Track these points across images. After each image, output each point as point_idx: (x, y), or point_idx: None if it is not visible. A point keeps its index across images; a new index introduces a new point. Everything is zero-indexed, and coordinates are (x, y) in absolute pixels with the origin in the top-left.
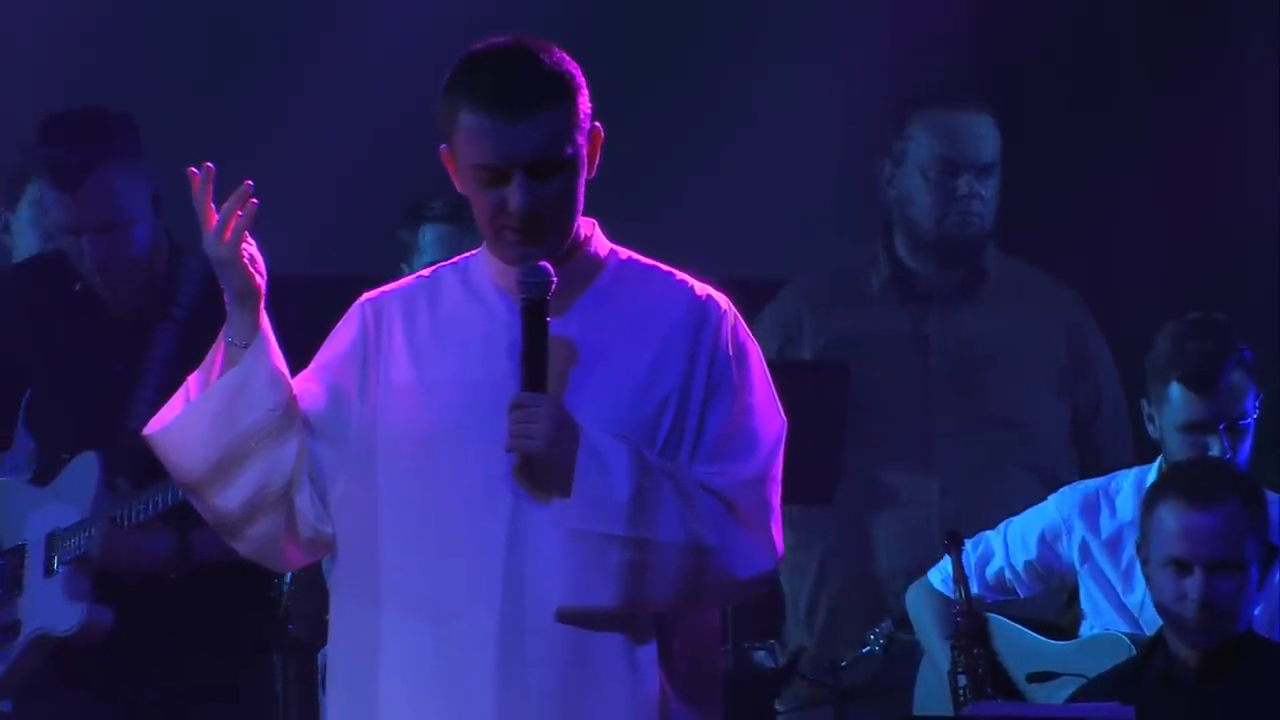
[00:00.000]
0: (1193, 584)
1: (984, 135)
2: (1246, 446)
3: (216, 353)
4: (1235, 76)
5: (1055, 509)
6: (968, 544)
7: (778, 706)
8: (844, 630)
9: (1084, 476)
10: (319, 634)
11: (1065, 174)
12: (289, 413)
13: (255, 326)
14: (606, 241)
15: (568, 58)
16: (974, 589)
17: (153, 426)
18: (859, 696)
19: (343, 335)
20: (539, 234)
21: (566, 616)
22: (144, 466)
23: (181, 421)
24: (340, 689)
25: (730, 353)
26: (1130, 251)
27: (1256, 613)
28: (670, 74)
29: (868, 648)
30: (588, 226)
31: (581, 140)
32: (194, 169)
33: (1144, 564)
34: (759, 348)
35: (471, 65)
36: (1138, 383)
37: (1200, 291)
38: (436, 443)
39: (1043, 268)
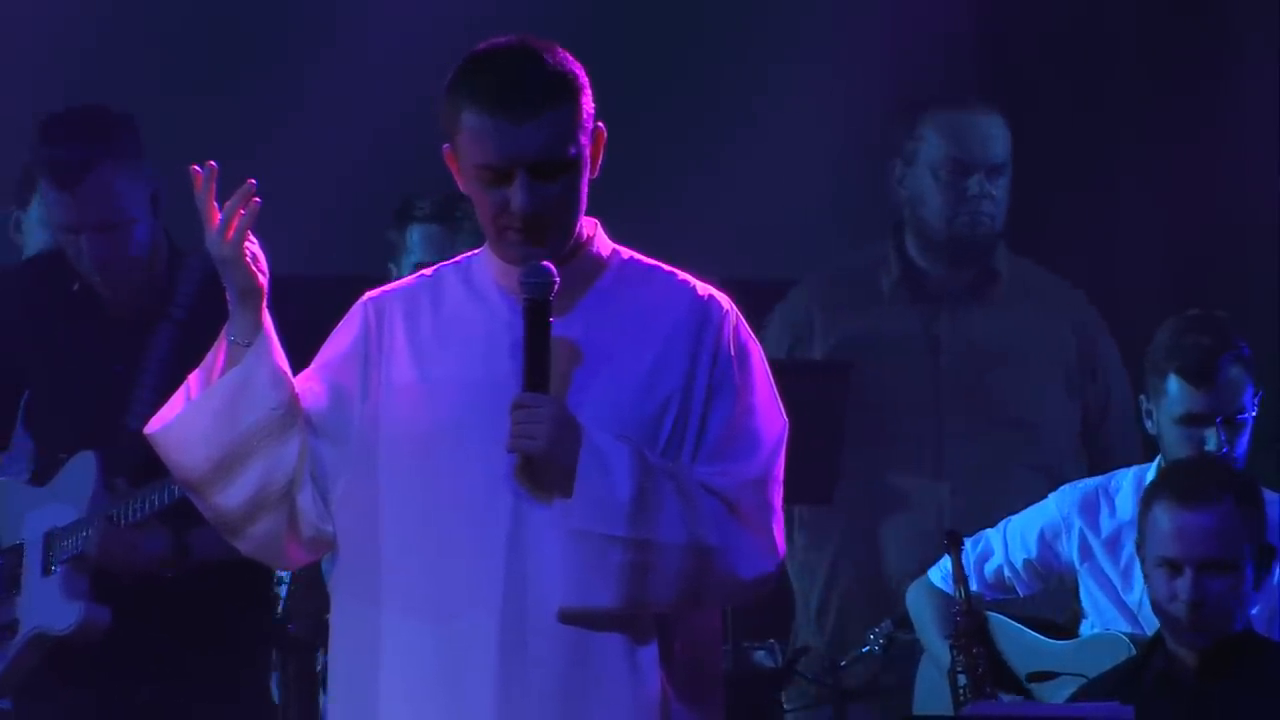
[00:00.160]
0: (1183, 584)
1: (995, 135)
2: (1244, 442)
3: (218, 351)
4: (1235, 76)
5: (1055, 507)
6: (968, 542)
7: (785, 705)
8: (854, 630)
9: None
10: (319, 633)
11: (1065, 174)
12: (291, 411)
13: (258, 325)
14: (609, 241)
15: (571, 58)
16: (974, 587)
17: (154, 425)
18: (859, 696)
19: (345, 334)
20: (542, 234)
21: (568, 617)
22: (142, 466)
23: (183, 420)
24: (341, 688)
25: (732, 353)
26: (1130, 251)
27: (1255, 612)
28: (670, 74)
29: (868, 647)
30: (590, 226)
31: (585, 140)
32: (197, 167)
33: (1142, 563)
34: (760, 348)
35: (475, 65)
36: (1138, 380)
37: (1200, 291)
38: (438, 442)
39: (1044, 268)
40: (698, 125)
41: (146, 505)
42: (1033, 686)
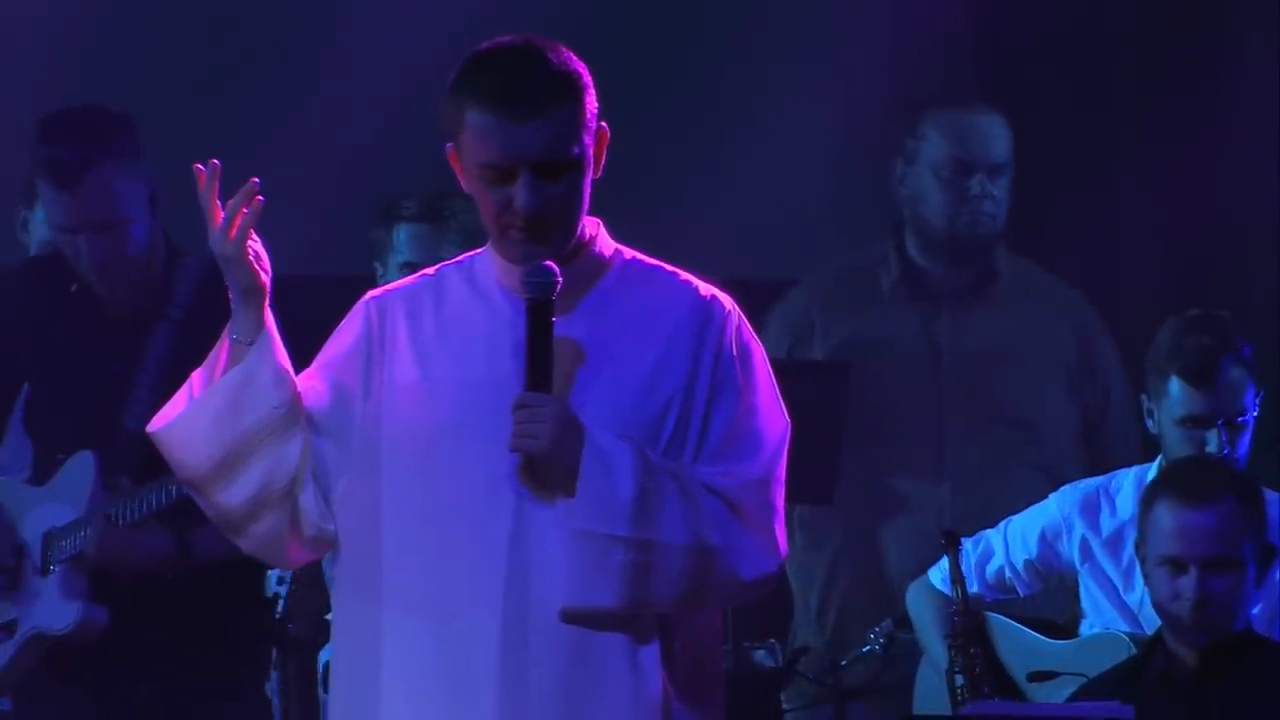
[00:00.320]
0: (1187, 583)
1: (996, 135)
2: (1245, 443)
3: (221, 350)
4: (1235, 76)
5: (1056, 507)
6: (968, 542)
7: (784, 705)
8: (854, 630)
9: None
10: (319, 633)
11: (1065, 174)
12: (293, 410)
13: (260, 324)
14: (611, 241)
15: (575, 57)
16: (974, 587)
17: (156, 423)
18: (859, 696)
19: (347, 333)
20: (544, 233)
21: (569, 617)
22: (141, 466)
23: (185, 418)
24: (342, 687)
25: (734, 353)
26: (1130, 251)
27: (1255, 611)
28: (670, 74)
29: (868, 647)
30: (592, 226)
31: (588, 140)
32: (200, 166)
33: (1142, 563)
34: (763, 348)
35: (478, 64)
36: (1138, 380)
37: (1200, 291)
38: (439, 442)
39: (1043, 268)
40: (698, 125)
41: (144, 505)
42: (1032, 686)
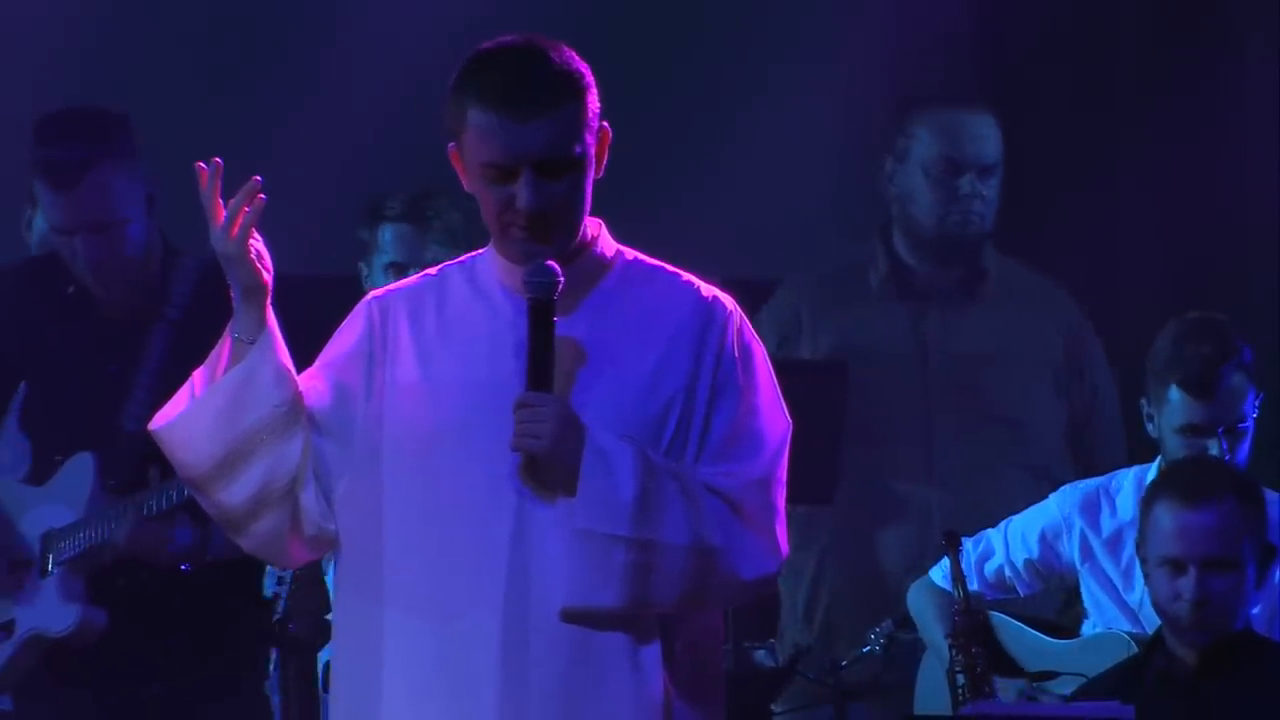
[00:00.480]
0: (1186, 583)
1: (986, 135)
2: (1245, 448)
3: (222, 348)
4: (1235, 76)
5: (1056, 507)
6: (968, 542)
7: (774, 708)
8: (842, 629)
9: (1080, 477)
10: (319, 633)
11: (1065, 174)
12: (295, 409)
13: (262, 322)
14: (613, 242)
15: (577, 57)
16: (974, 587)
17: (157, 421)
18: (859, 696)
19: (349, 333)
20: (546, 232)
21: (570, 616)
22: (139, 467)
23: (186, 417)
24: (343, 687)
25: (736, 354)
26: (1130, 251)
27: (1256, 612)
28: (670, 74)
29: (868, 647)
30: (594, 227)
31: (590, 139)
32: (202, 164)
33: (1143, 563)
34: (764, 349)
35: (480, 63)
36: (1138, 382)
37: (1200, 291)
38: (440, 442)
39: (1042, 268)
40: (698, 125)
41: (174, 495)
42: (1032, 686)
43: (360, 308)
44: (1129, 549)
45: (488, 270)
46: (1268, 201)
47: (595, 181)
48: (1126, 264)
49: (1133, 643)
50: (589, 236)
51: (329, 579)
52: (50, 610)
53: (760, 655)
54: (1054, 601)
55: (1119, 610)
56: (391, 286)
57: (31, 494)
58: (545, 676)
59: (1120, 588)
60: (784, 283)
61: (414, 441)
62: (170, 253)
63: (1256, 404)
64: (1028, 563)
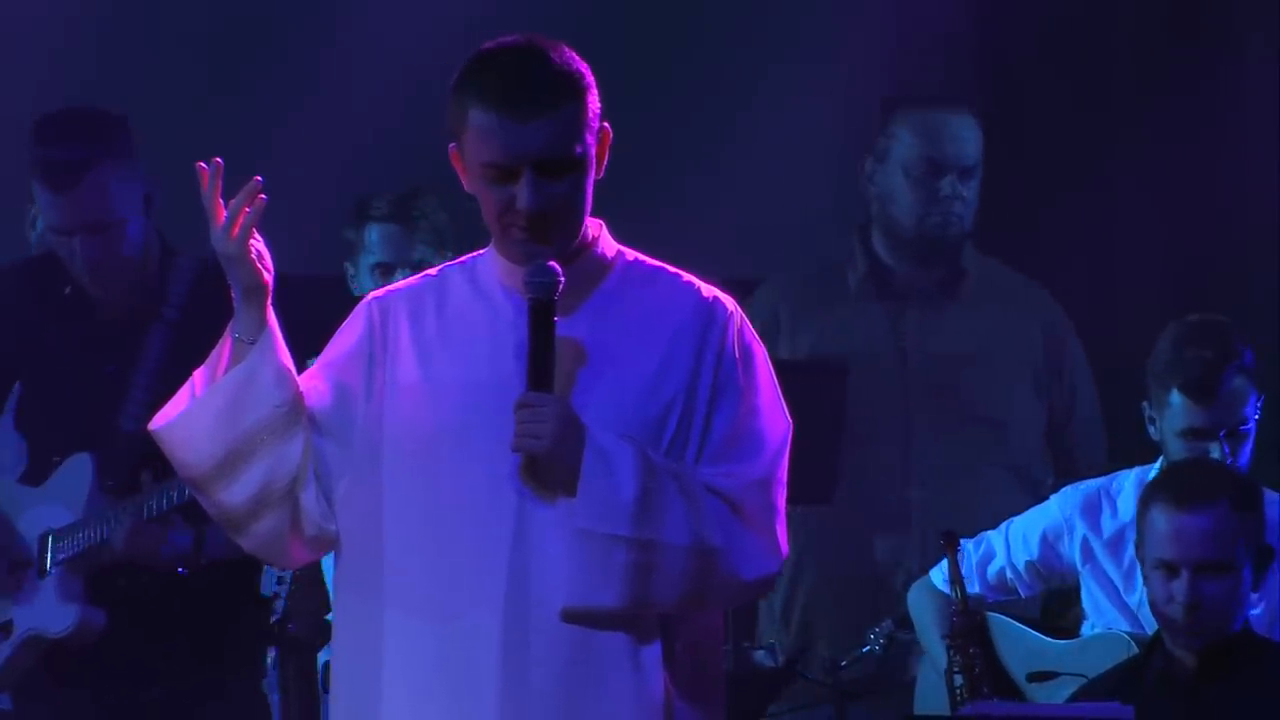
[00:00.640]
0: (1180, 586)
1: (967, 136)
2: (1247, 450)
3: (223, 348)
4: (1235, 76)
5: (1057, 508)
6: (969, 544)
7: (771, 710)
8: (820, 630)
9: (1058, 477)
10: (319, 633)
11: (1064, 174)
12: (295, 409)
13: (262, 323)
14: (614, 243)
15: (577, 57)
16: (975, 588)
17: (158, 421)
18: (859, 696)
19: (349, 333)
20: (546, 233)
21: (571, 616)
22: (138, 467)
23: (187, 417)
24: (343, 687)
25: (736, 355)
26: (1130, 252)
27: (1256, 613)
28: (670, 74)
29: (868, 647)
30: (595, 227)
31: (590, 140)
32: (203, 164)
33: (1141, 564)
34: (765, 349)
35: (481, 64)
36: (1138, 384)
37: (1200, 291)
38: (441, 442)
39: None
40: (698, 125)
41: (170, 498)
42: (1032, 686)
43: (360, 308)
44: (1130, 550)
45: (488, 271)
46: (1268, 201)
47: (596, 182)
48: (1126, 264)
49: (1133, 643)
50: (590, 237)
51: (328, 579)
52: (49, 610)
53: (760, 656)
54: (1037, 601)
55: (1119, 612)
56: (392, 287)
57: (29, 494)
58: (545, 676)
59: (1121, 589)
60: (763, 283)
61: (414, 442)
62: (167, 253)
63: (1258, 406)
64: (1029, 564)
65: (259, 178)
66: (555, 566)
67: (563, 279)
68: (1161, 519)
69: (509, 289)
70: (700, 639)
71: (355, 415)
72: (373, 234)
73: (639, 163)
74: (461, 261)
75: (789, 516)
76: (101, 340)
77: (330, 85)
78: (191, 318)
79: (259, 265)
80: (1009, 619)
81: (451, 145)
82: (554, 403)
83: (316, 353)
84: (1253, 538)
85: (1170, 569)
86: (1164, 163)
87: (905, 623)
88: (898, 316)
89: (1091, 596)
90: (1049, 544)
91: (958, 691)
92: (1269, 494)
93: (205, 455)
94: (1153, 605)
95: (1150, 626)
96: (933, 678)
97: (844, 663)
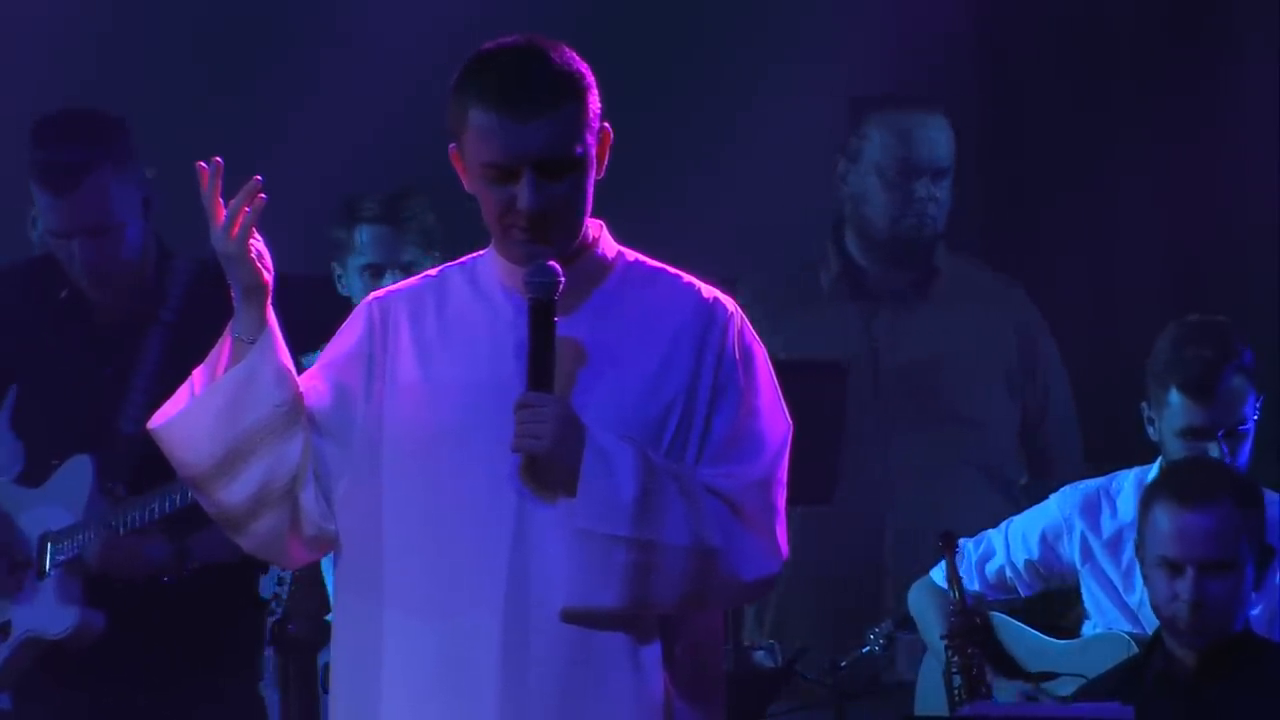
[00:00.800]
0: (1184, 585)
1: (939, 138)
2: (1246, 450)
3: (223, 348)
4: (1235, 76)
5: (1056, 508)
6: (970, 543)
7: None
8: (796, 630)
9: (1031, 477)
10: (319, 633)
11: (1064, 174)
12: (295, 409)
13: (262, 322)
14: (614, 243)
15: (578, 57)
16: (975, 587)
17: (157, 420)
18: (859, 696)
19: (349, 334)
20: (547, 233)
21: (571, 616)
22: (138, 469)
23: (186, 416)
24: (343, 687)
25: (737, 355)
26: (1130, 252)
27: (1256, 612)
28: (670, 74)
29: (868, 647)
30: (595, 228)
31: (591, 140)
32: (202, 164)
33: (1141, 564)
34: (765, 350)
35: (481, 64)
36: (1138, 384)
37: (1200, 291)
38: (441, 442)
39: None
40: (699, 125)
41: (149, 512)
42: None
43: (361, 309)
44: (1129, 550)
45: (488, 271)
46: (1268, 201)
47: (596, 182)
48: (1126, 264)
49: (1133, 643)
50: (590, 238)
51: (328, 580)
52: (48, 612)
53: (760, 655)
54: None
55: (1119, 612)
56: (392, 287)
57: (26, 495)
58: (545, 677)
59: (1121, 589)
60: (736, 283)
61: (414, 442)
62: (164, 255)
63: (1257, 406)
64: (1028, 563)
65: (259, 177)
66: (555, 567)
67: (563, 279)
68: (1165, 518)
69: (509, 289)
70: (700, 639)
71: (355, 415)
72: (363, 235)
73: (639, 163)
74: (462, 262)
75: (789, 517)
76: (99, 342)
77: (330, 85)
78: (189, 319)
79: (259, 265)
80: (1009, 618)
81: (452, 145)
82: (554, 403)
83: (316, 351)
84: (1255, 536)
85: (1174, 568)
86: (1164, 163)
87: (905, 623)
88: (870, 317)
89: (1092, 596)
90: (1048, 544)
91: (956, 692)
92: (1269, 494)
93: (204, 454)
94: (1154, 605)
95: (1150, 627)
96: (934, 677)
97: (844, 663)
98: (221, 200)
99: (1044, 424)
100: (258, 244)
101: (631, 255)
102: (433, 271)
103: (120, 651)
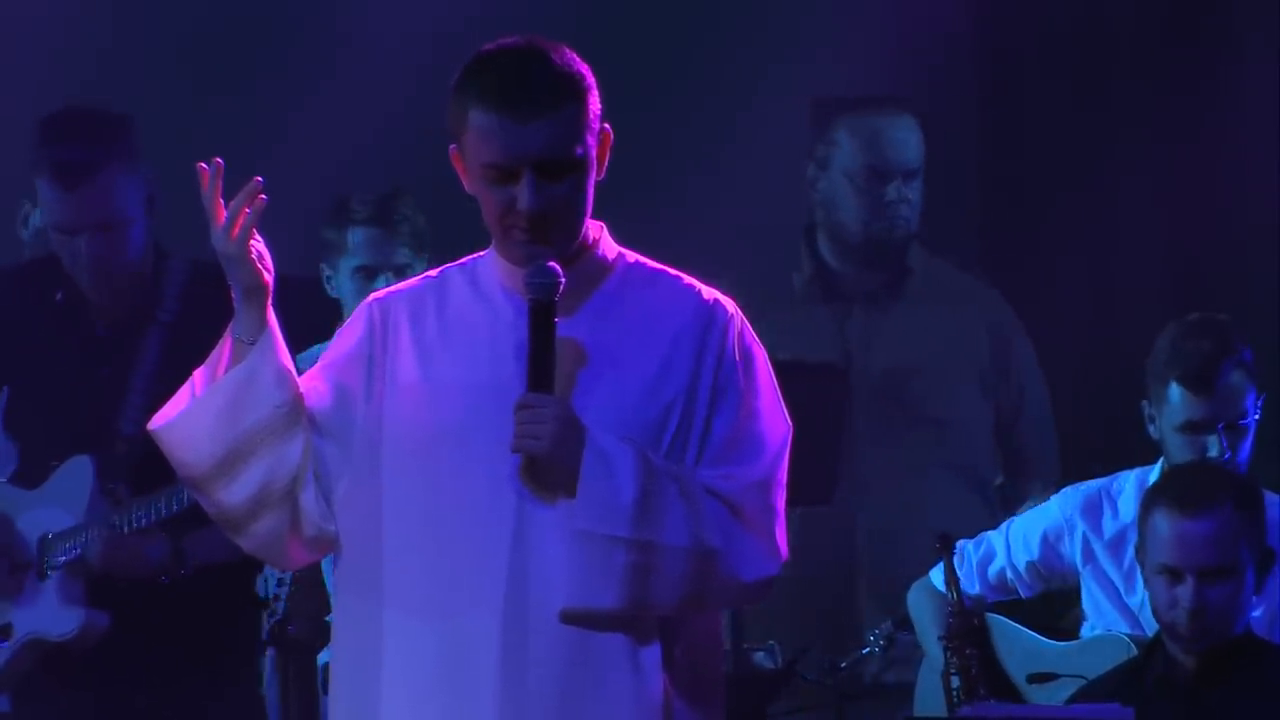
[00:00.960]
0: (1184, 592)
1: (908, 140)
2: (1246, 447)
3: (223, 348)
4: (1235, 76)
5: (1058, 509)
6: (969, 544)
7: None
8: (770, 633)
9: (1007, 477)
10: (319, 634)
11: (1065, 174)
12: (295, 410)
13: (263, 323)
14: (614, 245)
15: (578, 58)
16: (976, 589)
17: (157, 421)
18: (859, 696)
19: (350, 334)
20: (547, 234)
21: (570, 618)
22: (138, 470)
23: (187, 416)
24: (342, 687)
25: (736, 357)
26: (1130, 251)
27: (1257, 614)
28: (671, 74)
29: (867, 648)
30: (596, 229)
31: (591, 141)
32: (203, 165)
33: (1142, 567)
34: (765, 352)
35: (481, 64)
36: (1138, 383)
37: (1200, 291)
38: (441, 443)
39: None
40: (698, 125)
41: (153, 513)
42: (1031, 688)
43: (361, 309)
44: (1130, 551)
45: (489, 272)
46: (1268, 201)
47: (596, 183)
48: (1126, 264)
49: (1132, 645)
50: (590, 239)
51: (328, 581)
52: (51, 613)
53: (760, 657)
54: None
55: (1119, 613)
56: (392, 288)
57: (24, 497)
58: (544, 678)
59: (1122, 590)
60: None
61: (414, 443)
62: (160, 255)
63: (1258, 405)
64: (1029, 564)
65: (259, 178)
66: (555, 567)
67: (563, 280)
68: (1164, 524)
69: (509, 290)
70: (699, 641)
71: (355, 416)
72: (355, 236)
73: (639, 163)
74: (462, 263)
75: (789, 518)
76: (97, 343)
77: (330, 85)
78: (186, 319)
79: (259, 265)
80: (1008, 620)
81: (452, 146)
82: (554, 404)
83: (307, 350)
84: (1255, 540)
85: (1174, 574)
86: (1164, 163)
87: (905, 623)
88: (844, 319)
89: (1092, 598)
90: (1049, 544)
91: (954, 693)
92: (1269, 495)
93: (205, 455)
94: (1155, 610)
95: (1150, 628)
96: (932, 678)
97: (844, 663)
98: (222, 201)
99: (1018, 424)
100: (258, 245)
101: (632, 257)
102: (433, 272)
103: (120, 652)
